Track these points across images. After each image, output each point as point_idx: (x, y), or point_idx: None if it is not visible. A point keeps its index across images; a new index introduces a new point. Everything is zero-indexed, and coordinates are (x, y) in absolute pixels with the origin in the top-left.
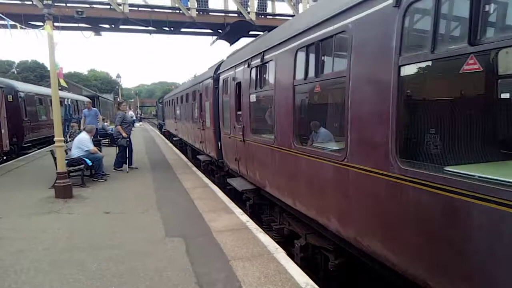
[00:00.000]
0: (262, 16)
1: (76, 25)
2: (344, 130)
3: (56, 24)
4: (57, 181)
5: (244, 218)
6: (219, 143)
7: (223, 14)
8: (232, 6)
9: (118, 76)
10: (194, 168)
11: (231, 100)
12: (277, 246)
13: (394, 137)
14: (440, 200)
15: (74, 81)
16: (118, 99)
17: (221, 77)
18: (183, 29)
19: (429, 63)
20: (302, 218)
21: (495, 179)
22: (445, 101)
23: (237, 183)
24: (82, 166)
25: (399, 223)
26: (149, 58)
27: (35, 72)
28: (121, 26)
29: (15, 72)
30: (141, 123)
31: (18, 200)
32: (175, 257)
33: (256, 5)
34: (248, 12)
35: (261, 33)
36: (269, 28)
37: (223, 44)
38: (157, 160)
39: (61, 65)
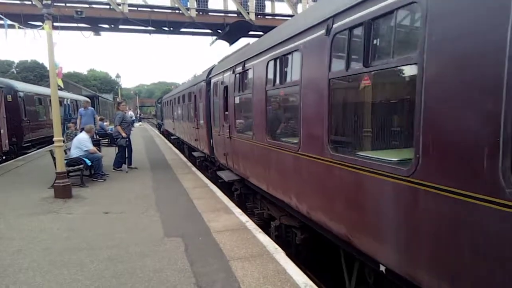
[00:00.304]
0: (260, 16)
1: (75, 25)
2: (298, 128)
3: (55, 24)
4: (56, 181)
5: (244, 218)
6: (211, 141)
7: (222, 14)
8: (232, 6)
9: (117, 76)
10: (194, 168)
11: (220, 101)
12: (277, 246)
13: (327, 132)
14: (353, 175)
15: (73, 81)
16: (118, 99)
17: (212, 81)
18: (182, 29)
19: (346, 78)
20: (275, 201)
21: (379, 158)
22: (358, 105)
23: (225, 175)
24: (81, 166)
25: (331, 195)
26: (149, 58)
27: (35, 72)
28: (120, 26)
29: (15, 72)
30: (140, 123)
31: (17, 200)
32: (174, 257)
33: (254, 5)
34: (248, 12)
35: (261, 33)
36: (269, 28)
37: (223, 44)
38: (157, 160)
39: (61, 65)
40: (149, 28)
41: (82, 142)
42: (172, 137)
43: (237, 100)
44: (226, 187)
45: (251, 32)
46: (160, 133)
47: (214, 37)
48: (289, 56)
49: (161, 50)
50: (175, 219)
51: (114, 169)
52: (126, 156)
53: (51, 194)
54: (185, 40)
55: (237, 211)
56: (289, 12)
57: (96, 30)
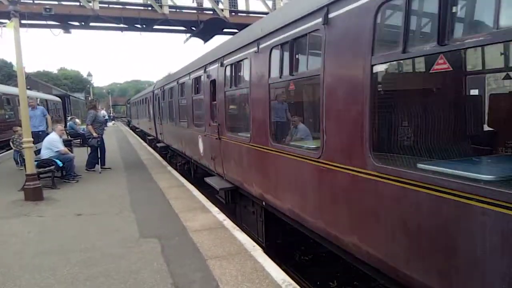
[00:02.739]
0: (234, 14)
1: (44, 22)
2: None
3: (23, 21)
4: (27, 183)
5: (221, 217)
6: (156, 128)
7: (196, 11)
8: (206, 3)
9: (89, 74)
10: (170, 168)
11: (157, 104)
12: (254, 244)
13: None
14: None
15: (43, 80)
16: (90, 98)
17: (155, 92)
18: (155, 27)
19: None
20: (181, 154)
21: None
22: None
23: (159, 145)
24: (52, 167)
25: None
26: (122, 56)
27: (3, 71)
28: (91, 24)
29: None
30: (113, 122)
31: None
32: (150, 258)
33: (228, 2)
34: (222, 10)
35: (236, 30)
36: (243, 26)
37: (197, 41)
38: (131, 160)
39: (24, 65)
40: (121, 25)
41: (52, 142)
42: (137, 130)
43: (162, 104)
44: (165, 155)
45: (225, 30)
46: (129, 128)
47: (188, 35)
48: (174, 86)
49: (134, 48)
50: (151, 220)
51: (86, 170)
52: (99, 156)
53: (21, 197)
54: (159, 37)
55: (215, 210)
56: (263, 9)
57: (66, 28)
